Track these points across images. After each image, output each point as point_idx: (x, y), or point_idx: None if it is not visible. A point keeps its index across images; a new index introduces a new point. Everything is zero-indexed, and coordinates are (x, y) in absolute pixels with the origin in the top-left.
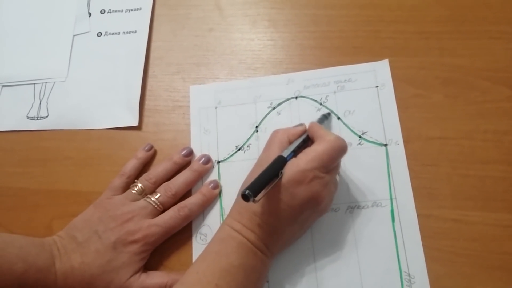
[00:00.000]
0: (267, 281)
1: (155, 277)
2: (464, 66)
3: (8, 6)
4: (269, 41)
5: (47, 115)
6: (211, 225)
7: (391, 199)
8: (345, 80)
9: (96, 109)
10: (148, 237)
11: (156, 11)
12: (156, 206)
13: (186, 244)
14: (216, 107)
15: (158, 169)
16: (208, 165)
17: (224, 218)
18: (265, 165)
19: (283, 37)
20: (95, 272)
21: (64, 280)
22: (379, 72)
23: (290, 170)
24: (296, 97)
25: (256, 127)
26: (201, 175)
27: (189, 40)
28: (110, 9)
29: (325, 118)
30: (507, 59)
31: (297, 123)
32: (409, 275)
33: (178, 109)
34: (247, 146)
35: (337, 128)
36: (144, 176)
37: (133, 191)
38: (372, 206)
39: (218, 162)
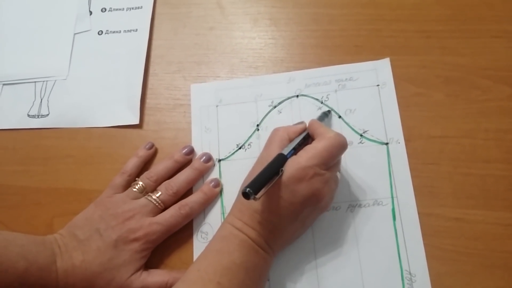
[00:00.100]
0: (268, 279)
1: (156, 275)
2: (465, 65)
3: (9, 5)
4: (270, 39)
5: (48, 113)
6: (212, 223)
7: (392, 197)
8: (346, 79)
9: (97, 108)
10: (149, 235)
11: (157, 10)
12: (157, 204)
13: (187, 242)
14: (217, 106)
15: (159, 167)
16: (209, 163)
17: (225, 216)
18: (265, 163)
19: (284, 36)
20: (96, 270)
21: (65, 278)
22: (380, 70)
23: (291, 167)
24: (297, 96)
25: (257, 125)
26: (202, 174)
27: (190, 39)
28: (111, 8)
29: (325, 115)
30: (508, 58)
31: (298, 121)
32: (410, 273)
33: (179, 107)
34: (248, 145)
35: (338, 127)
36: (145, 174)
37: (134, 189)
38: (373, 204)
39: (219, 160)
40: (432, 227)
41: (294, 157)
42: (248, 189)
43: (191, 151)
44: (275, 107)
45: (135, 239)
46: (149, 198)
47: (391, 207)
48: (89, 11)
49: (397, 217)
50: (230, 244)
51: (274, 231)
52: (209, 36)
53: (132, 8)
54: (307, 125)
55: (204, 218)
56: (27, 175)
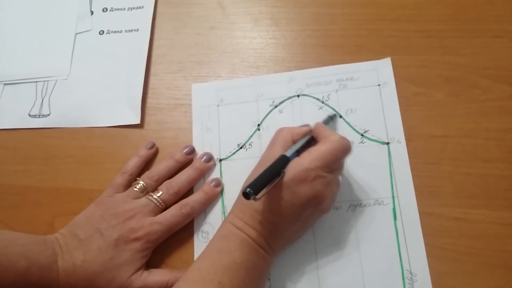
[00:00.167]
0: (269, 279)
1: (157, 274)
2: (466, 65)
3: (10, 4)
4: (271, 39)
5: (49, 113)
6: (213, 223)
7: (393, 197)
8: (347, 79)
9: (98, 107)
10: (150, 234)
11: (158, 9)
12: (158, 204)
13: (188, 242)
14: (218, 105)
15: (160, 167)
16: (210, 163)
17: (225, 216)
18: (268, 163)
19: (285, 36)
20: (97, 269)
21: (67, 278)
22: (381, 70)
23: (293, 168)
24: (298, 96)
25: (258, 125)
26: (203, 173)
27: (191, 38)
28: (112, 8)
29: (331, 119)
30: (509, 58)
31: (299, 121)
32: (411, 273)
33: (180, 107)
34: (249, 144)
35: (339, 127)
36: (146, 174)
37: (135, 189)
38: (374, 204)
39: (220, 160)
40: (433, 227)
41: (297, 158)
42: (248, 189)
43: (192, 151)
44: (276, 106)
45: (136, 239)
46: (150, 197)
47: (392, 207)
48: (91, 11)
49: (398, 217)
50: (231, 244)
51: (275, 231)
52: (210, 36)
53: (133, 8)
54: (312, 127)
55: (205, 217)
56: (28, 175)
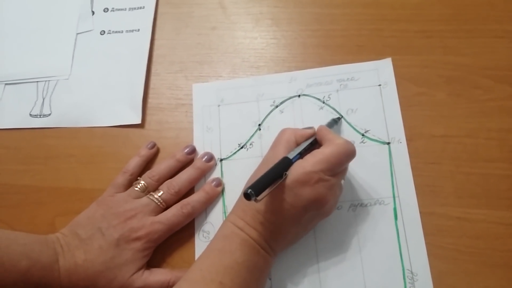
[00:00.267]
0: (270, 278)
1: (158, 274)
2: (467, 65)
3: (11, 4)
4: (272, 39)
5: (50, 113)
6: (214, 222)
7: (394, 197)
8: (348, 79)
9: (99, 107)
10: (151, 234)
11: (159, 10)
12: (159, 203)
13: (189, 241)
14: (219, 105)
15: (161, 166)
16: (211, 163)
17: (226, 215)
18: (270, 164)
19: (286, 36)
20: (98, 269)
21: (68, 277)
22: (382, 70)
23: (296, 171)
24: (299, 96)
25: (259, 125)
26: (204, 173)
27: (192, 39)
28: (113, 8)
29: (335, 122)
30: (510, 58)
31: (300, 121)
32: (412, 272)
33: (181, 107)
34: (250, 144)
35: (340, 127)
36: (147, 174)
37: (136, 189)
38: (375, 204)
39: (221, 160)
40: (434, 226)
41: (300, 161)
42: (250, 190)
43: (193, 151)
44: (276, 106)
45: (137, 238)
46: (151, 197)
47: (392, 207)
48: (92, 11)
49: (399, 217)
50: (232, 243)
51: (276, 232)
52: (211, 36)
53: (134, 8)
54: (316, 130)
55: (205, 217)
56: (29, 175)
